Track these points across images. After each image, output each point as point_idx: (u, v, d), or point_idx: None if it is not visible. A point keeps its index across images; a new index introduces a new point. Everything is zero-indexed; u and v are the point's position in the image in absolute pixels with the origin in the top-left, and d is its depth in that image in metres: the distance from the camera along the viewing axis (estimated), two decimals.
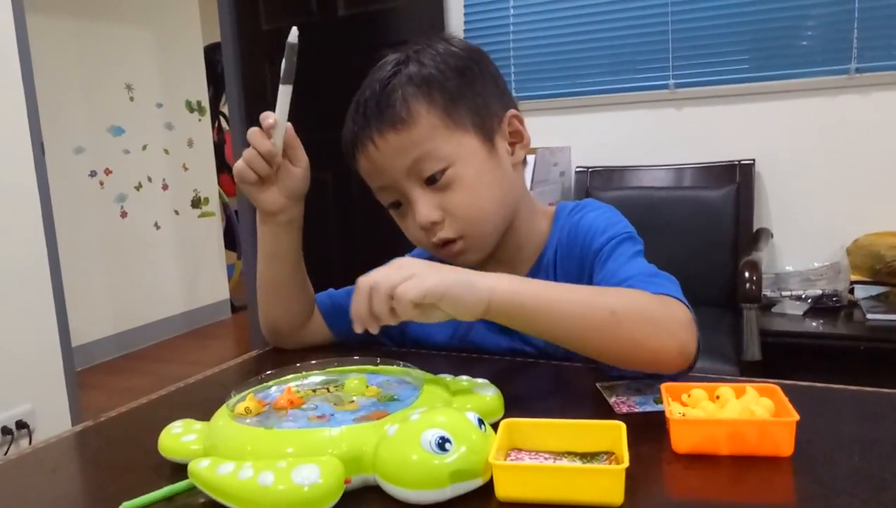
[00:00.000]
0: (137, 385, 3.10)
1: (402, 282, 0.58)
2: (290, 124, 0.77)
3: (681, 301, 0.67)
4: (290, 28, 0.71)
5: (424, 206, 0.76)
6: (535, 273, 0.83)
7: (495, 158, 0.78)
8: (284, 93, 0.74)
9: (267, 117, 0.75)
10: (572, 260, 0.80)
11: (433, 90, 0.75)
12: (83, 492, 0.59)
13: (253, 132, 0.76)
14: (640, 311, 0.64)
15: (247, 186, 0.78)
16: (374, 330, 0.61)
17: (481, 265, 0.84)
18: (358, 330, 0.62)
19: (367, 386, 0.60)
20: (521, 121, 0.82)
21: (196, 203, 4.10)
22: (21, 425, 2.17)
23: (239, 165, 0.77)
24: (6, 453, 2.13)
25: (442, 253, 0.79)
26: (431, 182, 0.75)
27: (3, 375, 2.13)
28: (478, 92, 0.78)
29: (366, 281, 0.60)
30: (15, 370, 2.16)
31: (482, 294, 0.60)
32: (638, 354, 0.64)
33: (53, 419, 2.26)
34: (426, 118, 0.74)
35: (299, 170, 0.80)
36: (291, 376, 0.64)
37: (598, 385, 0.67)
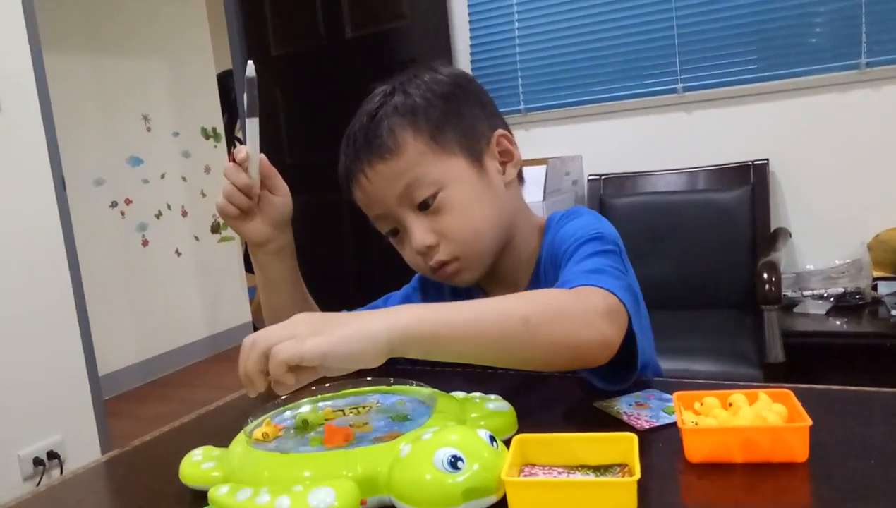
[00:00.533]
0: (164, 411, 3.13)
1: (281, 342, 0.53)
2: (263, 155, 0.78)
3: (606, 290, 0.64)
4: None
5: (418, 231, 0.77)
6: (533, 285, 0.84)
7: (486, 179, 0.79)
8: (252, 125, 0.75)
9: (239, 151, 0.77)
10: (556, 271, 0.80)
11: (418, 118, 0.77)
12: None
13: (228, 167, 0.78)
14: (553, 311, 0.61)
15: (230, 221, 0.81)
16: (251, 394, 0.55)
17: (483, 283, 0.85)
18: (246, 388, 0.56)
19: (318, 412, 0.61)
20: (511, 140, 0.83)
21: (215, 228, 4.16)
22: (52, 455, 2.20)
23: (219, 201, 0.79)
24: (38, 483, 2.16)
25: (438, 275, 0.80)
26: (424, 207, 0.77)
27: (32, 407, 2.17)
28: (464, 115, 0.79)
29: (251, 336, 0.55)
30: (44, 401, 2.20)
31: (378, 338, 0.55)
32: (559, 354, 0.62)
33: (83, 448, 2.29)
34: (413, 145, 0.76)
35: (279, 198, 0.82)
36: (306, 399, 0.65)
37: (594, 405, 0.65)
